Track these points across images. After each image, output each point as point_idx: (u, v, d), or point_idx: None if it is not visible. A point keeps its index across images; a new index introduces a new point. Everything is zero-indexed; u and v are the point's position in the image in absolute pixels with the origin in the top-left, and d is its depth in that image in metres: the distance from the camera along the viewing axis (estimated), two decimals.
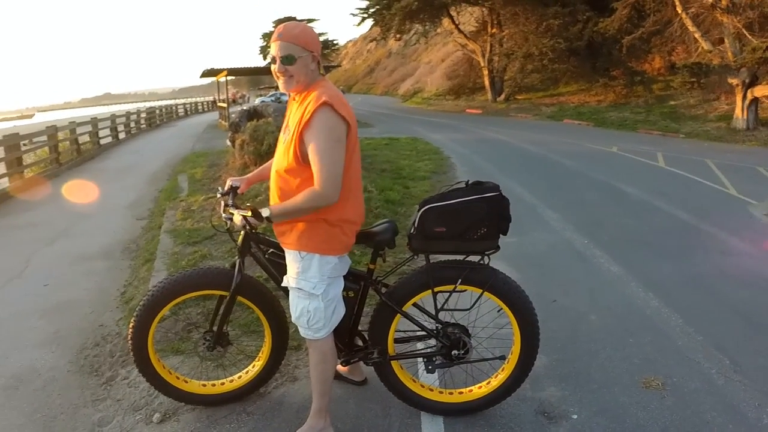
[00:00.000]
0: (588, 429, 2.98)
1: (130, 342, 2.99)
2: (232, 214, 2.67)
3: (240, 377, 3.29)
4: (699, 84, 18.08)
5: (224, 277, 2.96)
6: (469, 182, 2.76)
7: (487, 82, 36.16)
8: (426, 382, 3.20)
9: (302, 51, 2.46)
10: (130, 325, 2.99)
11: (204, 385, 3.28)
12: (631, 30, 21.58)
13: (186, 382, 3.25)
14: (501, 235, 2.74)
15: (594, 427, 2.99)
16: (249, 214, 2.52)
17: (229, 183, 3.05)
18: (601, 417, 3.08)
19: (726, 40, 17.43)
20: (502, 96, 35.25)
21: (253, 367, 3.27)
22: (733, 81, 17.27)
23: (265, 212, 2.49)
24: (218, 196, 3.01)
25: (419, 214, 2.72)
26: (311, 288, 2.62)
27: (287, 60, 2.44)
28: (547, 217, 7.63)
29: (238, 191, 3.03)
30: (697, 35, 18.29)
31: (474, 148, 15.50)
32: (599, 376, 3.53)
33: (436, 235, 2.70)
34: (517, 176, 10.81)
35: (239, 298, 3.00)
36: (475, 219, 2.66)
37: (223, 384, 3.28)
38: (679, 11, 18.26)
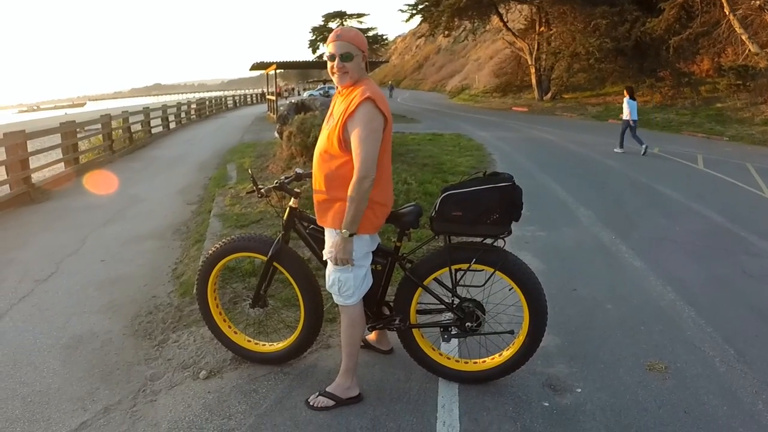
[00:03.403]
0: (589, 402, 3.27)
1: (195, 288, 3.78)
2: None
3: (279, 344, 3.69)
4: (745, 87, 17.86)
5: (267, 245, 3.41)
6: (486, 173, 3.10)
7: (534, 81, 36.05)
8: (444, 352, 3.54)
9: (357, 50, 2.89)
10: (196, 276, 3.71)
11: (249, 341, 3.75)
12: (679, 31, 21.42)
13: (235, 333, 3.78)
14: (514, 222, 3.07)
15: (595, 400, 3.28)
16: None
17: (295, 171, 3.62)
18: (602, 392, 3.37)
19: None
20: (549, 95, 35.10)
21: (290, 337, 3.65)
22: None
23: (344, 234, 2.88)
24: (283, 178, 3.45)
25: (440, 199, 3.09)
26: None
27: (346, 57, 2.87)
28: (580, 213, 7.84)
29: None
30: (744, 37, 18.08)
31: (517, 146, 15.70)
32: (607, 357, 3.80)
33: (454, 218, 3.06)
34: (555, 174, 11.02)
35: (275, 264, 3.42)
36: (489, 206, 3.00)
37: (263, 345, 3.72)
38: (727, 12, 18.05)
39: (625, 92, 14.75)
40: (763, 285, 5.22)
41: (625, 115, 14.18)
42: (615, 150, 14.29)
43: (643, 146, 13.76)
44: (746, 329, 4.27)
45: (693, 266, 5.69)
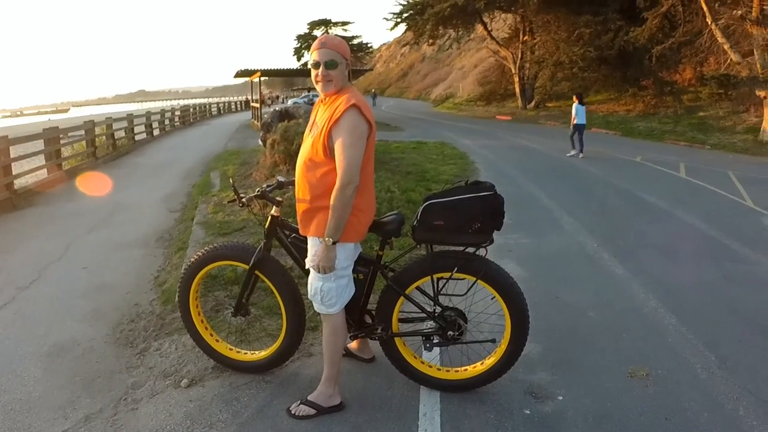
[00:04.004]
0: (571, 409, 3.28)
1: (177, 296, 3.78)
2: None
3: (261, 352, 3.67)
4: (727, 96, 18.10)
5: (249, 254, 3.40)
6: (468, 182, 3.11)
7: (517, 89, 36.34)
8: (426, 360, 3.53)
9: (342, 58, 2.89)
10: (178, 284, 3.68)
11: (231, 349, 3.73)
12: (662, 40, 21.64)
13: (217, 341, 3.76)
14: (496, 231, 3.09)
15: (577, 407, 3.29)
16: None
17: (277, 179, 3.57)
18: (584, 399, 3.38)
19: (755, 52, 17.40)
20: (533, 103, 35.38)
21: (272, 345, 3.63)
22: (761, 93, 17.25)
23: (328, 242, 2.87)
24: (265, 186, 3.43)
25: (422, 208, 3.09)
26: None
27: (331, 65, 2.86)
28: (563, 221, 7.89)
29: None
30: (726, 47, 18.30)
31: (500, 154, 15.81)
32: (589, 364, 3.82)
33: (436, 227, 3.07)
34: (539, 182, 11.09)
35: (257, 273, 3.41)
36: (471, 215, 3.01)
37: (245, 354, 3.70)
38: (709, 22, 18.28)
39: (574, 98, 15.77)
40: (744, 291, 5.26)
41: (576, 119, 15.17)
42: (570, 154, 15.29)
43: (576, 152, 15.18)
44: (728, 336, 4.30)
45: (675, 273, 5.73)
